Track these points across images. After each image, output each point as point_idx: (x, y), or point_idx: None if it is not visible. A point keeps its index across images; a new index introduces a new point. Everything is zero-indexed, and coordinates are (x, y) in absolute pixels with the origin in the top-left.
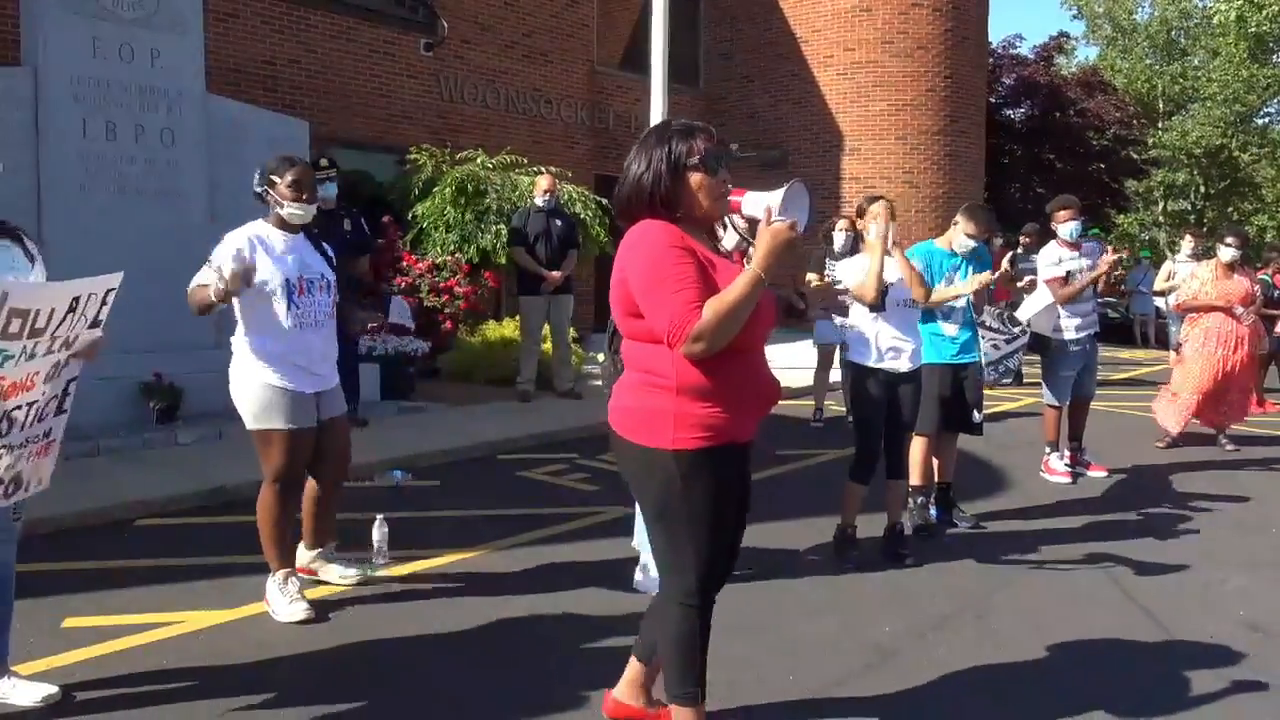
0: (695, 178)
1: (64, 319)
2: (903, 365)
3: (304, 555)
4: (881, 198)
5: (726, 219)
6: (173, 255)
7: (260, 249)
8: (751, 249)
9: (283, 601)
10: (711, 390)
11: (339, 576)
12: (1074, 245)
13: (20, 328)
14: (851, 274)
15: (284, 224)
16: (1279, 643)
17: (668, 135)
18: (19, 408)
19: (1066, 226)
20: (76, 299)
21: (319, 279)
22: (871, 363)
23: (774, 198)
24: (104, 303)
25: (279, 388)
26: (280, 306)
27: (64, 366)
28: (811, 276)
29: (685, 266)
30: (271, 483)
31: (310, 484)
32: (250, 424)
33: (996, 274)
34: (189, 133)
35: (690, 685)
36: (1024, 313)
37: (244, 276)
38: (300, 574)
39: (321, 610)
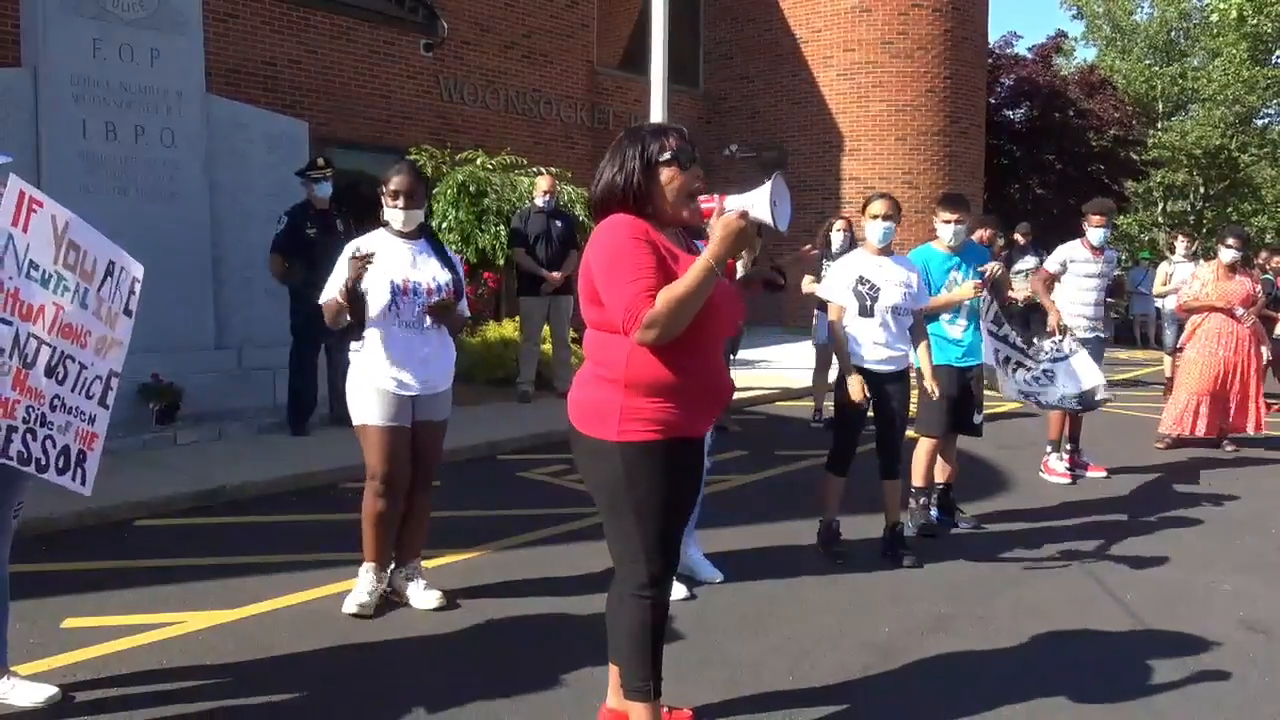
0: (666, 173)
1: (104, 280)
2: (888, 367)
3: (394, 579)
4: (885, 196)
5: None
6: (173, 255)
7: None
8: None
9: (357, 591)
10: (659, 386)
11: (420, 601)
12: (1098, 250)
13: (74, 261)
14: (833, 281)
15: (396, 230)
16: (1279, 643)
17: (641, 134)
18: (71, 358)
19: (1097, 232)
20: (113, 263)
21: (428, 282)
22: (856, 360)
23: (760, 195)
24: (132, 291)
25: (377, 386)
26: (380, 309)
27: (109, 350)
28: (807, 278)
29: (644, 256)
30: (370, 479)
31: None
32: (353, 419)
33: (989, 271)
34: (189, 133)
35: (643, 680)
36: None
37: (362, 264)
38: (391, 597)
39: (337, 608)
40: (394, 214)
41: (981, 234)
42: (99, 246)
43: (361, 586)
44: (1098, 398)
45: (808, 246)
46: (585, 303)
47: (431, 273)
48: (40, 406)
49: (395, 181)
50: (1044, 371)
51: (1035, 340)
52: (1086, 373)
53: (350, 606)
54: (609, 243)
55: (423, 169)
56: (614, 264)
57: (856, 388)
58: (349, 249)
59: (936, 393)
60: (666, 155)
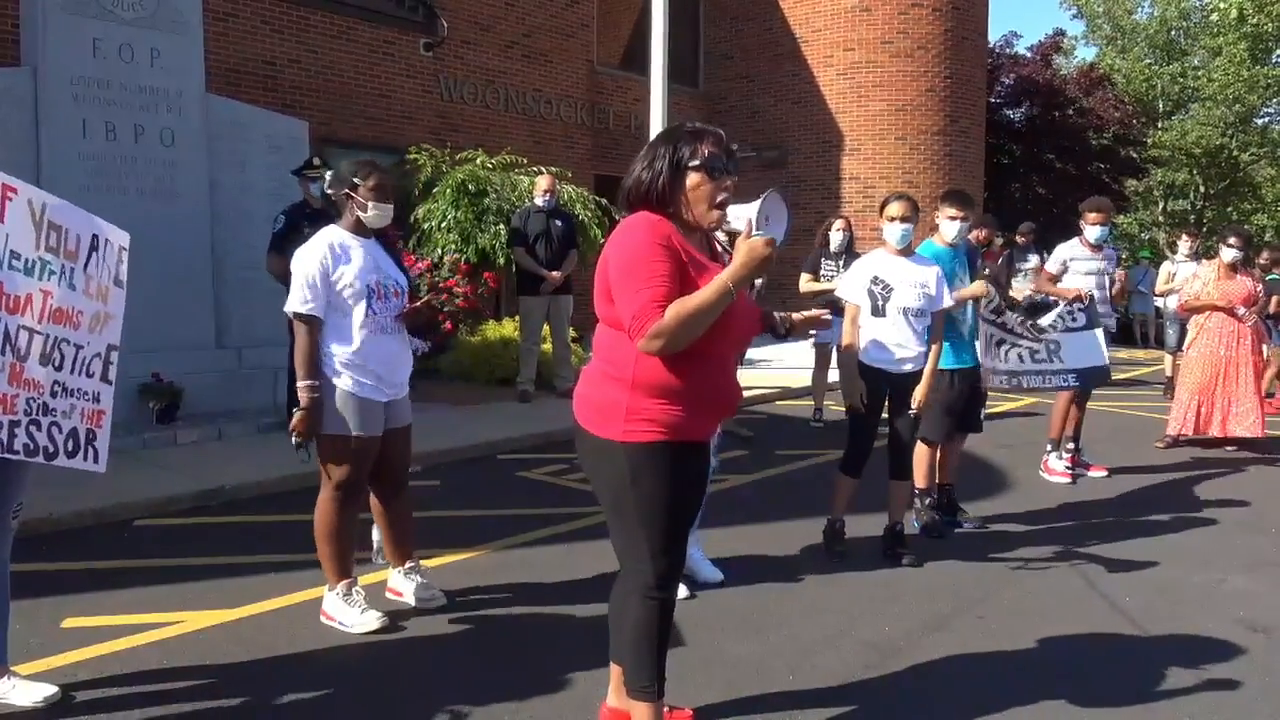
0: (693, 178)
1: (90, 255)
2: (902, 367)
3: (394, 578)
4: (904, 196)
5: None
6: (173, 255)
7: (342, 256)
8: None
9: (351, 613)
10: (667, 388)
11: (421, 600)
12: (1096, 248)
13: (57, 243)
14: (849, 281)
15: (359, 228)
16: (1279, 643)
17: (678, 134)
18: (66, 341)
19: (1094, 230)
20: (96, 236)
21: (393, 284)
22: (869, 360)
23: (751, 209)
24: (120, 260)
25: (351, 394)
26: (359, 313)
27: (103, 325)
28: (805, 277)
29: (661, 264)
30: (333, 490)
31: (374, 501)
32: (322, 428)
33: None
34: (189, 133)
35: (646, 680)
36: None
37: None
38: (391, 594)
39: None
40: (378, 210)
41: (977, 234)
42: (80, 222)
43: (357, 606)
44: (1101, 377)
45: (823, 313)
46: (599, 298)
47: (392, 274)
48: (40, 396)
49: (379, 177)
50: (1050, 344)
51: (1038, 323)
52: (1096, 350)
53: (371, 624)
54: (628, 244)
55: (422, 168)
56: (630, 267)
57: (854, 395)
58: (315, 250)
59: (916, 407)
60: (696, 161)
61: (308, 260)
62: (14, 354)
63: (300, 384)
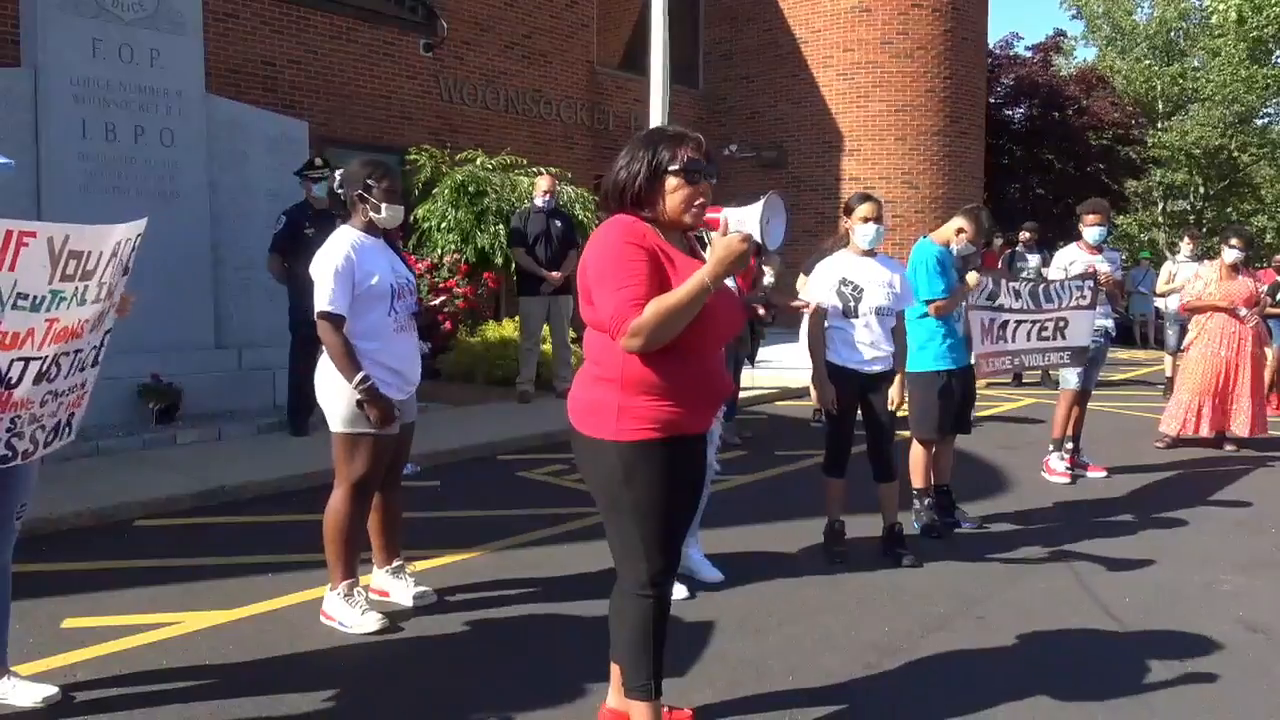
0: (672, 182)
1: (109, 264)
2: (873, 367)
3: (377, 577)
4: (871, 197)
5: (706, 236)
6: (173, 256)
7: (365, 256)
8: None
9: (352, 614)
10: (656, 385)
11: (413, 597)
12: (1095, 249)
13: (75, 269)
14: (815, 283)
15: (371, 228)
16: (1279, 643)
17: (657, 138)
18: (66, 354)
19: (1092, 230)
20: (119, 243)
21: (407, 283)
22: (841, 361)
23: (753, 211)
24: (134, 249)
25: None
26: (382, 312)
27: (105, 316)
28: (802, 279)
29: (637, 264)
30: (349, 489)
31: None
32: (338, 427)
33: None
34: (189, 133)
35: (644, 679)
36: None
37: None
38: (374, 594)
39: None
40: (392, 212)
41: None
42: (100, 239)
43: (358, 607)
44: (1079, 356)
45: (797, 303)
46: (584, 302)
47: (404, 272)
48: (29, 409)
49: (391, 179)
50: (1057, 321)
51: (1049, 289)
52: (1086, 329)
53: (371, 625)
54: (604, 246)
55: (422, 168)
56: (606, 269)
57: (828, 397)
58: (338, 250)
59: (895, 403)
60: (675, 165)
61: (331, 260)
62: (3, 384)
63: (353, 382)
